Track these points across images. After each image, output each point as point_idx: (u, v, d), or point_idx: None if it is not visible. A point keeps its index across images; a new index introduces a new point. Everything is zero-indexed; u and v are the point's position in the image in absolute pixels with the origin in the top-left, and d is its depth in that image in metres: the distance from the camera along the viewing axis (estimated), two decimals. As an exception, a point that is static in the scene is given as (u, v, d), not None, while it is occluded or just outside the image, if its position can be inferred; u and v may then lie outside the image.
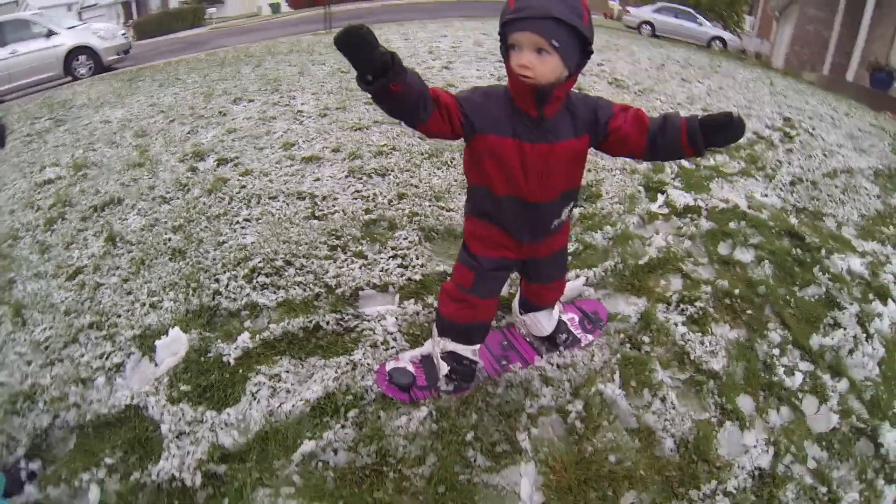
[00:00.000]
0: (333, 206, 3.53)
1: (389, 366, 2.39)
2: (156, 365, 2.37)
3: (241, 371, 2.30)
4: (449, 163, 4.13)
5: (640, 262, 3.04)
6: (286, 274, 2.88)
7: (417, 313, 2.62)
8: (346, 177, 3.93)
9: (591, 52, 1.73)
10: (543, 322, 2.43)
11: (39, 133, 6.66)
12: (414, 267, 2.92)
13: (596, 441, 2.00)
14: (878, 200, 4.60)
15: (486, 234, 2.01)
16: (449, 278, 2.17)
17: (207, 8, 44.76)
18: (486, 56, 7.98)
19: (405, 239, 3.15)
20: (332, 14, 14.32)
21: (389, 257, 3.00)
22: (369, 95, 1.51)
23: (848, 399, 2.41)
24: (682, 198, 3.81)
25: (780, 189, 4.41)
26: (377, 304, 2.69)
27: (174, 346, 2.36)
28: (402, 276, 2.86)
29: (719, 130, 1.79)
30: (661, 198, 3.83)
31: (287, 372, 2.29)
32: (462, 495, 1.78)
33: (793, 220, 3.78)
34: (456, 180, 3.77)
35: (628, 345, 2.47)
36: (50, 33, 12.24)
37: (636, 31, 19.93)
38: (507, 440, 1.97)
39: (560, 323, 2.50)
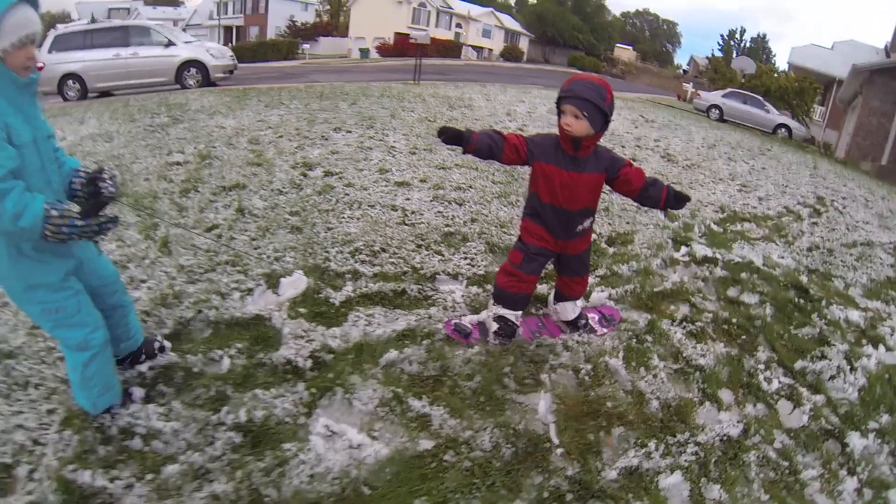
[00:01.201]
0: (420, 218, 4.44)
1: (454, 321, 3.22)
2: (279, 295, 3.24)
3: (343, 309, 3.16)
4: (514, 203, 4.98)
5: (655, 290, 3.74)
6: (381, 256, 3.77)
7: (478, 294, 3.46)
8: (431, 200, 4.84)
9: (610, 121, 2.81)
10: (569, 310, 3.29)
11: (161, 126, 7.85)
12: (479, 266, 3.79)
13: (598, 391, 2.68)
14: (892, 269, 5.05)
15: (533, 229, 3.01)
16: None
17: (302, 44, 47.96)
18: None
19: (474, 248, 4.04)
20: (422, 67, 15.33)
21: (461, 258, 3.87)
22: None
23: (822, 410, 2.88)
24: (703, 250, 4.48)
25: (797, 253, 5.00)
26: (449, 285, 3.53)
27: (296, 283, 3.24)
28: (469, 270, 3.72)
29: (681, 202, 2.99)
30: (684, 249, 4.50)
31: (379, 314, 3.14)
32: (497, 405, 2.50)
33: (802, 278, 4.34)
34: (518, 215, 4.64)
35: (634, 339, 3.15)
36: (169, 44, 13.84)
37: (705, 114, 20.49)
38: (532, 377, 2.70)
39: (581, 313, 3.33)
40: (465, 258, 3.85)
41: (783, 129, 19.78)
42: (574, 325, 3.33)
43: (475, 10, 53.41)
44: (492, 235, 4.21)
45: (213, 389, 2.54)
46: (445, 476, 2.10)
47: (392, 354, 2.76)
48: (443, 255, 3.86)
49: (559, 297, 3.32)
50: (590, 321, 3.38)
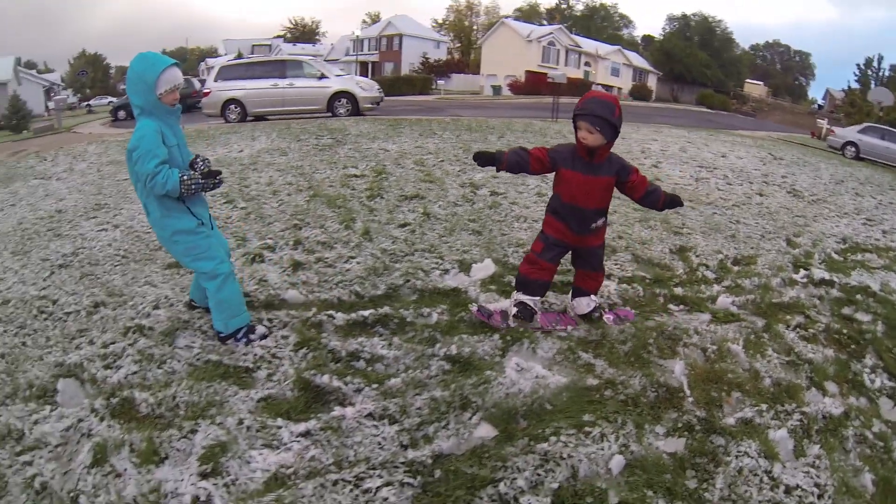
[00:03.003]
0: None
1: (479, 304, 3.81)
2: (470, 276, 4.16)
3: None
4: (652, 227, 5.70)
5: (773, 301, 4.26)
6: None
7: (626, 289, 4.22)
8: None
9: (619, 132, 3.28)
10: (584, 304, 3.72)
11: (327, 146, 9.21)
12: (626, 270, 4.55)
13: (721, 365, 3.31)
14: None
15: (554, 224, 3.52)
16: None
17: (437, 80, 49.83)
18: (689, 161, 9.30)
19: (622, 258, 4.85)
20: (558, 104, 16.15)
21: (612, 263, 4.62)
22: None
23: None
24: (821, 274, 4.91)
25: (918, 283, 5.22)
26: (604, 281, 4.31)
27: (486, 268, 4.16)
28: (619, 272, 4.49)
29: (675, 204, 3.55)
30: (803, 272, 4.96)
31: (550, 295, 3.98)
32: (643, 363, 3.22)
33: (920, 305, 4.56)
34: (659, 237, 5.37)
35: (752, 335, 3.71)
36: (322, 76, 15.51)
37: (840, 152, 19.30)
38: (670, 348, 3.39)
39: (596, 308, 3.73)
40: (616, 264, 4.60)
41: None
42: (588, 317, 3.72)
43: (603, 48, 53.18)
44: (636, 249, 4.95)
45: (426, 333, 3.46)
46: (607, 403, 2.82)
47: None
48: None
49: (575, 293, 3.78)
50: (604, 317, 3.76)
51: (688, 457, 2.58)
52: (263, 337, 3.50)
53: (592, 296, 3.75)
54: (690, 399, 2.97)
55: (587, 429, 2.61)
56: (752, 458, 2.61)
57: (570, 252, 3.69)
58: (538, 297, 3.65)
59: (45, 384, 3.23)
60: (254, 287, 4.17)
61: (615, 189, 3.50)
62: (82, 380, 3.26)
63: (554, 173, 3.50)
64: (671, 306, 4.05)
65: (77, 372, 3.32)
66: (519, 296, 3.65)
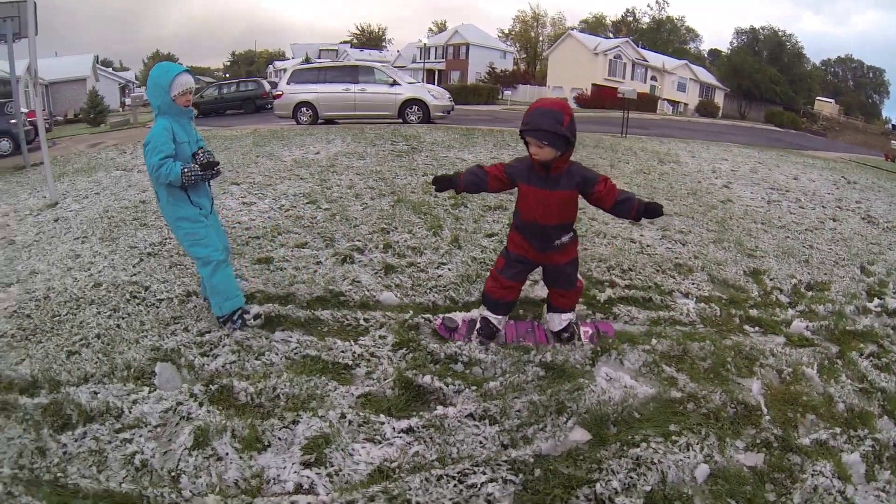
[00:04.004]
0: (654, 251, 5.46)
1: (444, 316, 3.81)
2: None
3: (607, 305, 4.21)
4: (727, 248, 5.78)
5: (847, 329, 4.23)
6: (629, 273, 4.82)
7: (704, 308, 4.31)
8: (660, 238, 5.84)
9: (573, 142, 3.06)
10: (555, 321, 3.62)
11: (403, 152, 9.51)
12: (703, 290, 4.65)
13: (796, 388, 3.36)
14: None
15: (515, 239, 3.41)
16: None
17: (504, 90, 49.77)
18: (760, 182, 9.19)
19: (699, 277, 4.91)
20: (628, 120, 15.92)
21: (690, 283, 4.75)
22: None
23: None
24: (895, 304, 4.90)
25: None
26: (682, 300, 4.44)
27: None
28: (697, 291, 4.59)
29: (653, 214, 3.23)
30: (877, 300, 4.90)
31: (634, 310, 4.13)
32: (722, 380, 3.39)
33: None
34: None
35: (826, 360, 3.73)
36: (394, 83, 15.69)
37: None
38: (747, 367, 3.49)
39: (569, 326, 3.60)
40: (693, 283, 4.71)
41: None
42: (558, 336, 3.62)
43: (670, 62, 51.94)
44: (712, 269, 5.03)
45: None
46: (690, 415, 2.96)
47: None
48: (675, 279, 4.76)
49: (549, 308, 3.67)
50: (581, 334, 3.67)
51: (766, 471, 2.68)
52: (258, 317, 3.89)
53: (565, 314, 3.63)
54: (767, 417, 3.06)
55: (674, 438, 2.76)
56: (826, 477, 2.68)
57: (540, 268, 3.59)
58: (502, 317, 3.62)
59: (143, 366, 3.43)
60: (347, 287, 4.42)
61: (586, 201, 3.32)
62: (179, 365, 3.45)
63: (514, 188, 3.36)
64: (747, 327, 4.13)
65: (174, 357, 3.52)
66: (483, 311, 3.65)
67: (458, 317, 3.87)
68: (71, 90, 38.16)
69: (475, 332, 3.66)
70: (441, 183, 3.37)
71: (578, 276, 3.64)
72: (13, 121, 15.20)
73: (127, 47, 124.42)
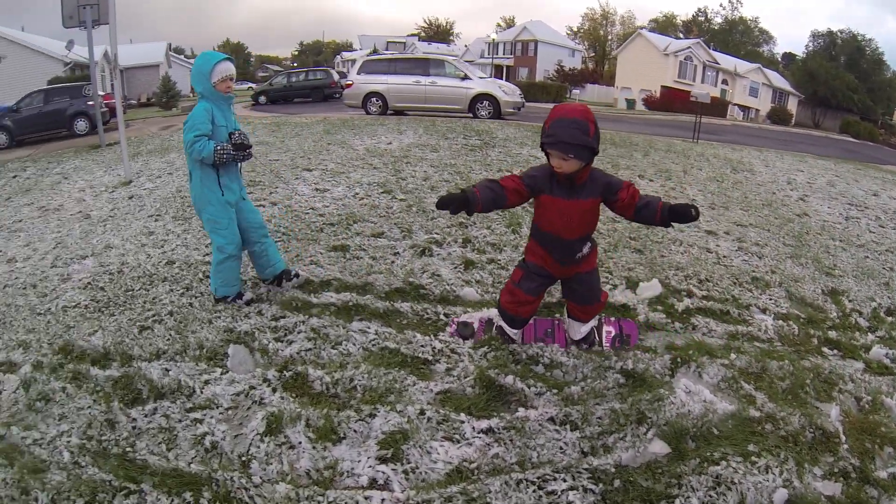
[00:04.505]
0: (730, 262, 5.34)
1: (459, 319, 3.69)
2: (636, 294, 4.26)
3: (685, 315, 4.11)
4: (804, 264, 5.57)
5: None
6: (707, 284, 4.71)
7: (782, 326, 4.17)
8: (736, 250, 5.66)
9: (598, 151, 2.81)
10: (575, 329, 3.45)
11: (476, 147, 9.50)
12: (781, 306, 4.50)
13: (874, 417, 3.20)
14: None
15: (535, 249, 3.18)
16: None
17: (572, 89, 49.11)
18: (837, 197, 8.82)
19: (776, 293, 4.75)
20: (700, 124, 15.43)
21: (767, 298, 4.61)
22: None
23: None
24: None
25: None
26: (760, 315, 4.31)
27: (652, 288, 4.23)
28: (774, 307, 4.45)
29: (681, 218, 2.89)
30: None
31: (712, 323, 4.02)
32: (800, 402, 3.26)
33: None
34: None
35: None
36: (465, 77, 15.62)
37: None
38: (826, 392, 3.37)
39: (590, 335, 3.47)
40: (771, 299, 4.56)
41: None
42: (578, 344, 3.47)
43: (742, 65, 49.76)
44: (789, 286, 4.86)
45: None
46: (769, 436, 2.86)
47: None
48: (752, 293, 4.63)
49: (569, 314, 3.47)
50: (604, 337, 3.54)
51: (844, 502, 2.59)
52: (249, 302, 4.04)
53: (588, 323, 3.46)
54: (845, 446, 2.94)
55: (753, 459, 2.68)
56: (904, 514, 2.56)
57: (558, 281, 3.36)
58: (518, 331, 3.48)
59: (215, 347, 3.44)
60: (427, 280, 4.42)
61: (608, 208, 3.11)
62: (252, 348, 3.46)
63: (534, 199, 3.07)
64: (825, 349, 3.98)
65: (247, 340, 3.53)
66: (500, 321, 3.48)
67: (475, 317, 3.73)
68: (145, 75, 39.78)
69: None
70: (452, 203, 2.87)
71: (602, 288, 3.45)
72: (91, 102, 16.02)
73: (198, 36, 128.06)
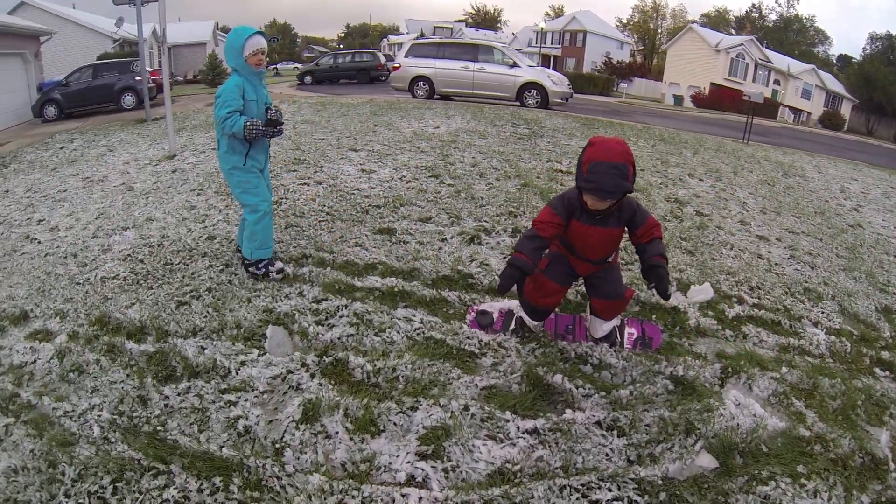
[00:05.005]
0: (782, 270, 5.08)
1: (480, 307, 3.56)
2: (687, 298, 4.07)
3: (735, 322, 3.95)
4: (857, 279, 5.32)
5: None
6: (758, 291, 4.50)
7: (834, 342, 3.99)
8: (788, 258, 5.39)
9: (632, 189, 2.75)
10: (597, 327, 3.34)
11: (525, 136, 9.34)
12: (834, 321, 4.29)
13: None
14: None
15: (559, 245, 3.14)
16: None
17: (620, 82, 48.14)
18: (893, 209, 8.43)
19: (829, 306, 4.52)
20: (744, 125, 14.97)
21: (819, 311, 4.40)
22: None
23: None
24: None
25: None
26: (812, 328, 4.11)
27: (704, 292, 3.99)
28: (826, 321, 4.25)
29: (658, 283, 2.92)
30: None
31: (763, 333, 3.85)
32: (851, 424, 3.12)
33: None
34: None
35: None
36: (514, 65, 15.38)
37: None
38: (877, 416, 3.23)
39: (611, 334, 3.37)
40: (823, 313, 4.35)
41: None
42: (598, 342, 3.37)
43: (795, 65, 47.62)
44: (842, 300, 4.64)
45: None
46: (818, 458, 2.73)
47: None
48: (804, 304, 4.42)
49: (592, 311, 3.36)
50: (626, 338, 3.42)
51: None
52: (280, 271, 4.01)
53: (610, 322, 3.36)
54: (894, 475, 2.80)
55: (802, 481, 2.57)
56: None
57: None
58: (538, 323, 3.38)
59: (253, 327, 3.37)
60: (476, 269, 4.30)
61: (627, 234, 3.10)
62: (291, 331, 3.38)
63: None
64: (877, 370, 3.79)
65: (286, 322, 3.44)
66: (521, 313, 3.40)
67: (494, 308, 3.57)
68: (191, 53, 40.42)
69: (510, 331, 3.43)
70: (513, 282, 2.98)
71: (627, 286, 3.37)
72: (138, 78, 16.30)
73: (246, 16, 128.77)
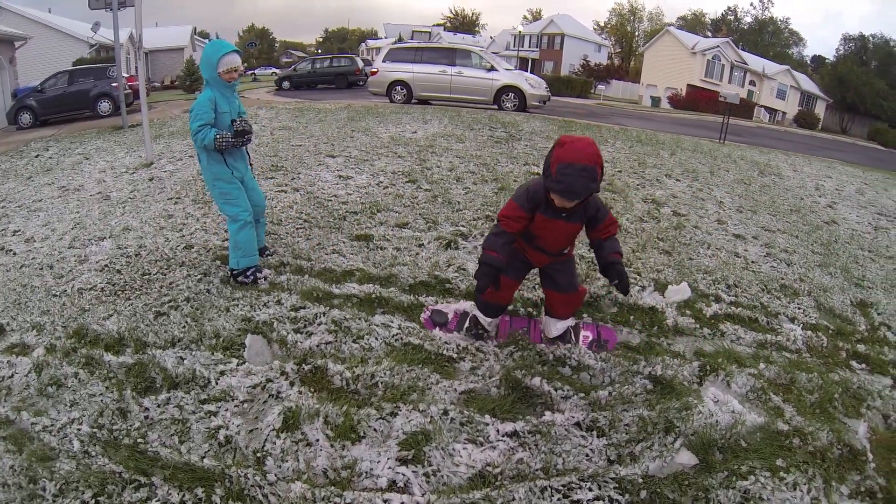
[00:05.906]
0: (759, 268, 5.14)
1: (435, 307, 3.61)
2: (665, 297, 4.13)
3: (713, 321, 3.98)
4: (833, 274, 5.41)
5: None
6: (735, 290, 4.55)
7: (811, 336, 4.03)
8: (765, 256, 5.47)
9: (599, 190, 2.75)
10: (551, 326, 3.35)
11: (502, 139, 9.38)
12: (811, 316, 4.34)
13: None
14: None
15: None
16: None
17: (597, 84, 48.49)
18: (867, 206, 8.54)
19: (805, 302, 4.58)
20: (728, 125, 15.02)
21: (795, 307, 4.46)
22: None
23: None
24: None
25: None
26: (788, 324, 4.16)
27: (681, 292, 4.10)
28: (803, 316, 4.31)
29: (618, 281, 2.98)
30: None
31: (740, 330, 3.89)
32: (828, 417, 3.18)
33: None
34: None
35: None
36: (491, 69, 15.32)
37: None
38: (854, 408, 3.26)
39: (566, 333, 3.37)
40: (800, 308, 4.41)
41: None
42: (552, 342, 3.37)
43: (770, 67, 48.27)
44: (818, 295, 4.70)
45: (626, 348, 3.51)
46: (796, 451, 2.76)
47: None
48: (781, 301, 4.47)
49: (546, 311, 3.38)
50: (581, 340, 3.43)
51: None
52: (266, 278, 4.11)
53: (562, 321, 3.36)
54: (872, 465, 2.84)
55: (782, 474, 2.59)
56: (931, 538, 2.45)
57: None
58: (493, 319, 3.39)
59: (232, 336, 3.33)
60: (453, 274, 4.30)
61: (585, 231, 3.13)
62: (270, 339, 3.34)
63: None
64: (853, 363, 3.85)
65: (265, 330, 3.40)
66: (475, 311, 3.40)
67: (450, 308, 3.61)
68: (169, 58, 40.05)
69: (464, 330, 3.44)
70: (489, 280, 2.99)
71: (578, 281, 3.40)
72: (114, 84, 16.12)
73: (224, 20, 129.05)
